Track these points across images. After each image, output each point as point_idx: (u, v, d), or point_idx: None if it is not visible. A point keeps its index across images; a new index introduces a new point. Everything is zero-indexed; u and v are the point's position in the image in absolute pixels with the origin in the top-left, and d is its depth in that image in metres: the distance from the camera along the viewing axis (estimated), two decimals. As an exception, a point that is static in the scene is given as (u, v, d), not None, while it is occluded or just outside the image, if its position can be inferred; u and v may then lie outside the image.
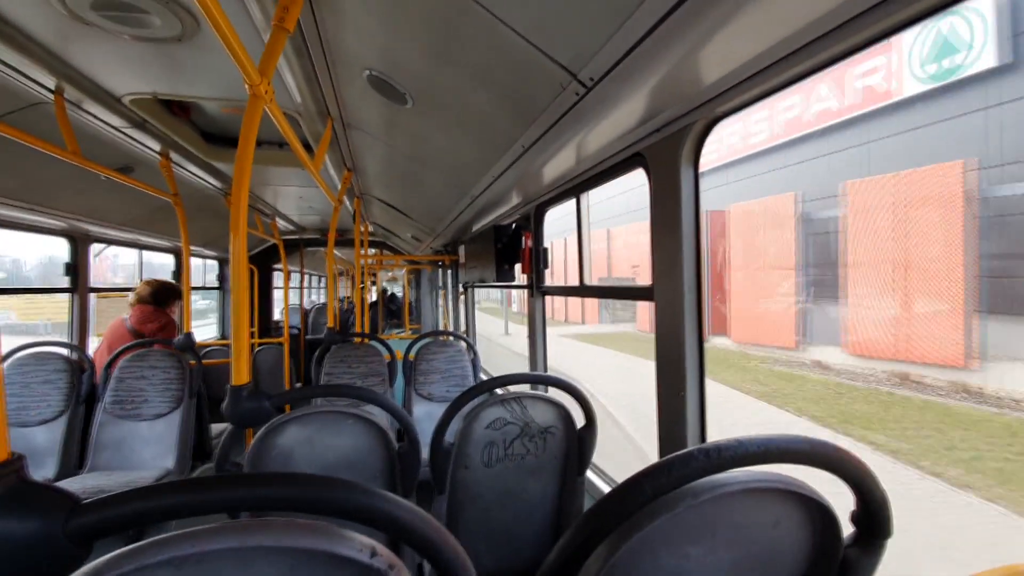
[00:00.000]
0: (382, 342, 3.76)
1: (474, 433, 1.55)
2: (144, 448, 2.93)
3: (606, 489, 1.98)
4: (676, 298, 1.35)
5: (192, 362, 3.11)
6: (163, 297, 3.62)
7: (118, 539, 1.94)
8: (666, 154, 1.35)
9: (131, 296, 3.58)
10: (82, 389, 3.00)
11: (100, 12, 1.35)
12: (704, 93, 1.10)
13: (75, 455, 2.94)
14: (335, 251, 3.46)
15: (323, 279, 13.64)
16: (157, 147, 2.46)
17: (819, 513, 0.65)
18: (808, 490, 0.62)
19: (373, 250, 7.15)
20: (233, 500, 0.52)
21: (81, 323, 3.40)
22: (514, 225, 3.02)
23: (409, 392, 3.54)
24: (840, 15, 0.76)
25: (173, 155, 2.62)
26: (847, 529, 0.68)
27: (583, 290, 2.22)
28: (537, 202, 2.47)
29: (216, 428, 3.73)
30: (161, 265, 5.01)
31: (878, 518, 0.64)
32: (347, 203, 3.84)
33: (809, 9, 0.76)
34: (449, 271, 5.52)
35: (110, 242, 3.85)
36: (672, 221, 1.34)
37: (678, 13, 0.79)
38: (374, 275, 9.77)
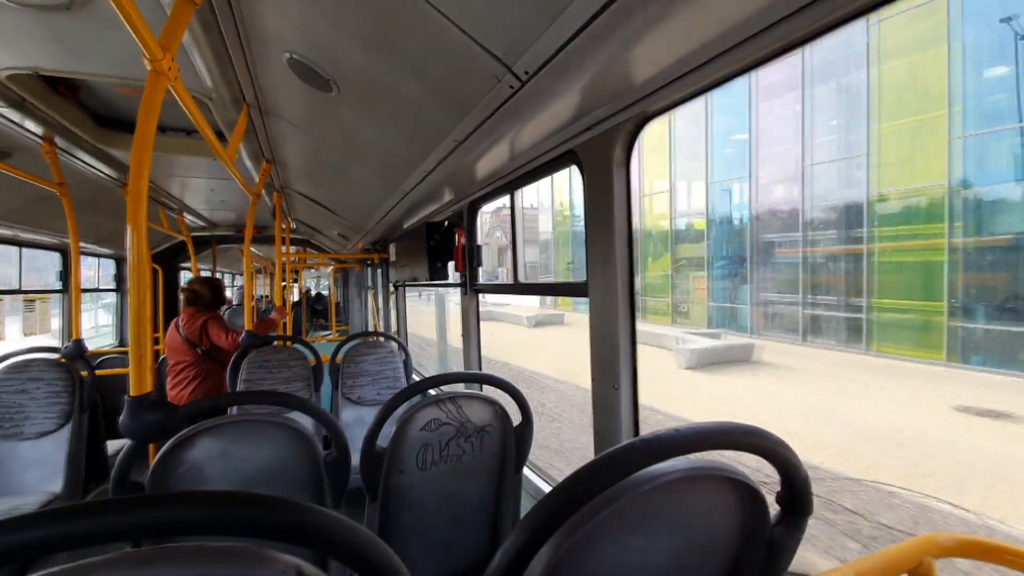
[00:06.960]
0: (306, 345, 3.57)
1: (408, 436, 1.50)
2: (25, 471, 2.58)
3: (544, 486, 1.99)
4: (610, 293, 1.37)
5: (83, 372, 2.77)
6: (221, 297, 3.23)
7: None
8: (599, 152, 1.37)
9: (182, 298, 3.15)
10: None
11: None
12: (635, 92, 1.12)
13: None
14: (252, 248, 3.23)
15: (237, 277, 12.73)
16: (39, 131, 2.16)
17: (749, 496, 0.67)
18: (740, 475, 0.65)
19: (296, 248, 6.76)
20: (130, 525, 0.45)
21: None
22: (447, 222, 2.97)
23: (336, 396, 3.39)
24: (767, 17, 0.79)
25: (58, 140, 2.31)
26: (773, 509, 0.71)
27: (517, 287, 2.22)
28: (470, 199, 2.43)
29: (116, 445, 3.36)
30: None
31: (801, 498, 0.68)
32: (266, 198, 3.60)
33: (736, 11, 0.79)
34: (379, 269, 5.34)
35: None
36: (605, 218, 1.37)
37: (611, 10, 0.79)
38: (296, 272, 9.23)
